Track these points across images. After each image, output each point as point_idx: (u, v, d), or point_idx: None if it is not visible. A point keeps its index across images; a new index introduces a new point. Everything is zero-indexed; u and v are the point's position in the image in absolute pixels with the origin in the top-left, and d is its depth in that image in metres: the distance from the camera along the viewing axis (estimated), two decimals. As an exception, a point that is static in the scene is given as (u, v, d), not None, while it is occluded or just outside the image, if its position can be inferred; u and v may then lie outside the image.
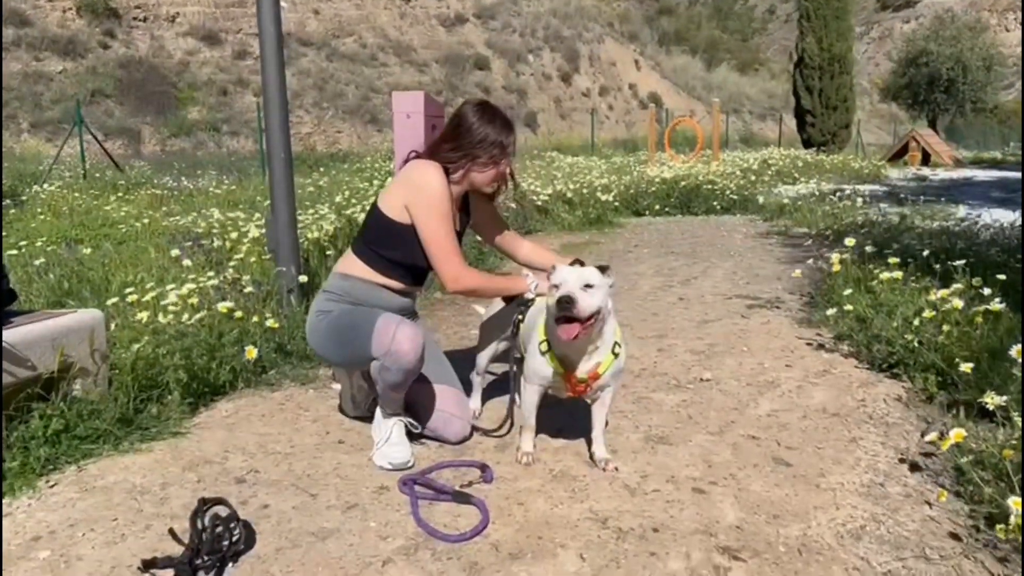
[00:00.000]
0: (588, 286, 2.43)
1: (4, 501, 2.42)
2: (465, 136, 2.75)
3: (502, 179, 2.90)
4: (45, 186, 11.24)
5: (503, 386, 3.28)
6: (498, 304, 3.10)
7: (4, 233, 7.50)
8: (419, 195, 2.70)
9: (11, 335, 2.61)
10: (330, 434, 3.00)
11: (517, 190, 3.19)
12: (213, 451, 2.84)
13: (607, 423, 2.79)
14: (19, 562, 2.08)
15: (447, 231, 2.72)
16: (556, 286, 2.44)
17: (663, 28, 44.16)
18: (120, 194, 10.61)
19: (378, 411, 2.83)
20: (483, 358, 3.14)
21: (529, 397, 2.69)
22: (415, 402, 2.87)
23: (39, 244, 6.24)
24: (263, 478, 2.62)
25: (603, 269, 2.54)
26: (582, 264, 2.75)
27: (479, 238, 3.34)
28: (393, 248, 2.77)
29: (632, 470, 2.64)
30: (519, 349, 2.85)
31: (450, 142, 2.77)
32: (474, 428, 2.97)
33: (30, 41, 20.66)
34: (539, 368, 2.61)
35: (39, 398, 2.68)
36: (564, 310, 2.39)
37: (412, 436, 2.83)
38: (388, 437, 2.73)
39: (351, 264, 2.83)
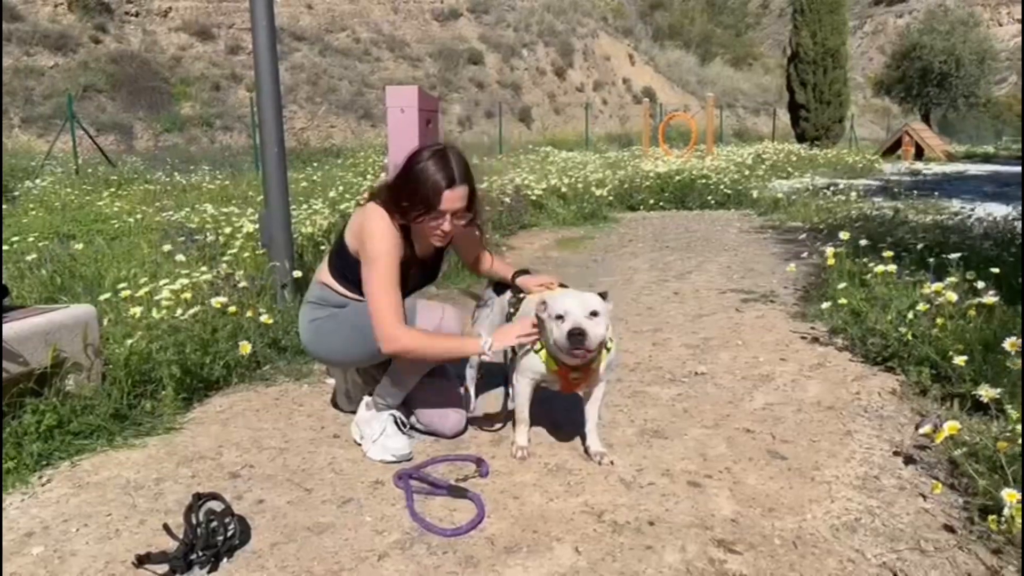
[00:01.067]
0: (594, 314, 2.44)
1: (-3, 497, 2.41)
2: (409, 181, 2.61)
3: (443, 235, 2.69)
4: (37, 182, 11.19)
5: (496, 380, 3.28)
6: (491, 298, 3.10)
7: (-4, 229, 7.46)
8: (364, 246, 2.62)
9: (4, 330, 2.59)
10: (325, 429, 2.99)
11: (482, 239, 3.09)
12: (207, 446, 2.83)
13: (601, 417, 2.79)
14: (13, 558, 2.08)
15: (386, 287, 2.58)
16: (561, 316, 2.42)
17: (657, 23, 44.12)
18: (113, 189, 10.56)
19: (367, 406, 2.82)
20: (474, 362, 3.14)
21: (522, 391, 2.70)
22: (411, 397, 2.87)
23: (31, 239, 6.21)
24: (258, 473, 2.61)
25: (603, 296, 2.53)
26: (563, 287, 2.85)
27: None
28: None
29: (627, 464, 2.64)
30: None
31: (397, 186, 2.65)
32: (469, 422, 2.96)
33: (21, 36, 20.52)
34: (532, 364, 2.61)
35: (32, 393, 2.67)
36: (576, 344, 2.38)
37: (402, 430, 2.81)
38: (384, 430, 2.73)
39: (328, 279, 2.82)
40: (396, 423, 2.78)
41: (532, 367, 2.62)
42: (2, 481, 2.41)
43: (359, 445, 2.79)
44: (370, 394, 2.86)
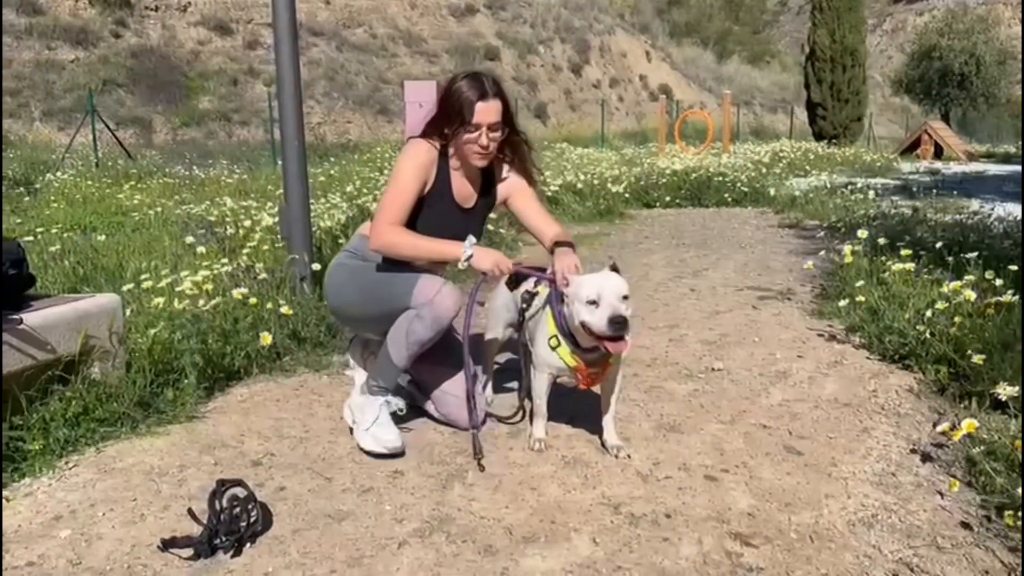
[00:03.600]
0: (625, 297, 2.45)
1: (25, 481, 2.46)
2: (444, 102, 2.73)
3: (482, 152, 2.71)
4: (58, 174, 11.30)
5: (512, 373, 3.31)
6: (503, 291, 3.09)
7: (19, 220, 7.56)
8: (395, 165, 2.76)
9: (31, 318, 2.64)
10: (344, 419, 3.02)
11: (522, 161, 2.94)
12: (229, 435, 2.87)
13: (617, 411, 2.81)
14: (40, 540, 2.12)
15: (395, 197, 2.69)
16: (594, 302, 2.42)
17: (674, 20, 43.97)
18: (132, 183, 10.65)
19: (361, 389, 2.79)
20: (492, 345, 3.14)
21: (540, 385, 2.71)
22: (428, 385, 2.88)
23: (54, 231, 6.28)
24: (279, 461, 2.65)
25: (615, 269, 2.57)
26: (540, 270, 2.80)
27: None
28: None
29: (644, 457, 2.66)
30: (525, 337, 2.86)
31: (437, 109, 2.77)
32: (488, 414, 2.98)
33: (42, 30, 20.71)
34: (551, 359, 2.62)
35: (59, 380, 2.71)
36: (618, 331, 2.39)
37: (396, 421, 2.76)
38: (377, 418, 2.68)
39: (367, 227, 2.87)
40: (390, 412, 2.73)
41: (550, 362, 2.63)
42: (1, 477, 2.44)
43: (351, 430, 2.78)
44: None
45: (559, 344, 2.58)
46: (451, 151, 2.77)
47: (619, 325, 2.38)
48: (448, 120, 2.69)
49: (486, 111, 2.66)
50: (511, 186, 2.94)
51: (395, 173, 2.73)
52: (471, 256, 2.62)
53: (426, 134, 2.76)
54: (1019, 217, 6.62)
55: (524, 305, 2.81)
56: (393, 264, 2.73)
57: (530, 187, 2.97)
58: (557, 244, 2.81)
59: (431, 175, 2.75)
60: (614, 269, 2.57)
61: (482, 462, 2.60)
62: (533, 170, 2.95)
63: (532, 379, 2.74)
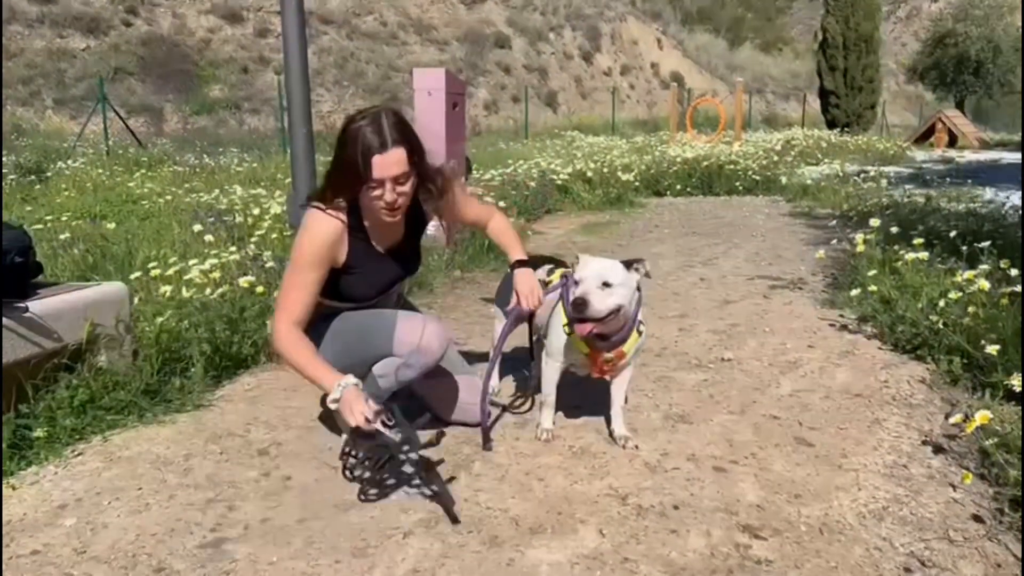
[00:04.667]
0: (606, 284, 2.40)
1: (31, 469, 2.46)
2: (339, 153, 2.38)
3: (389, 207, 2.39)
4: (69, 162, 11.33)
5: (520, 363, 3.28)
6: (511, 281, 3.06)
7: (30, 208, 7.57)
8: (295, 243, 2.47)
9: (38, 306, 2.63)
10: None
11: (458, 197, 2.72)
12: (236, 423, 2.86)
13: (626, 400, 2.79)
14: (46, 529, 2.12)
15: (293, 287, 2.42)
16: (576, 282, 2.42)
17: (686, 7, 43.60)
18: (143, 171, 10.67)
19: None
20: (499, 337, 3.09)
21: (549, 374, 2.69)
22: (436, 394, 2.82)
23: (64, 219, 6.30)
24: (285, 451, 2.64)
25: (629, 264, 2.48)
26: (561, 265, 2.81)
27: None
28: (341, 283, 2.57)
29: (652, 448, 2.64)
30: (535, 326, 2.84)
31: (333, 159, 2.42)
32: (493, 403, 2.96)
33: (54, 18, 20.73)
34: (563, 348, 2.60)
35: (66, 369, 2.71)
36: (578, 312, 2.38)
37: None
38: None
39: None
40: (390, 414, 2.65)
41: (563, 351, 2.61)
42: (2, 472, 2.44)
43: (340, 434, 2.68)
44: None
45: (572, 331, 2.55)
46: (362, 208, 2.47)
47: (579, 307, 2.36)
48: (345, 176, 2.36)
49: (385, 164, 2.30)
50: (440, 206, 2.66)
51: (293, 256, 2.43)
52: (337, 400, 2.30)
53: (325, 197, 2.43)
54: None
55: (548, 280, 2.78)
56: (339, 299, 2.57)
57: (455, 192, 2.70)
58: (517, 264, 2.71)
59: (340, 250, 2.46)
60: (627, 264, 2.49)
61: (489, 449, 2.60)
62: (459, 187, 2.73)
63: (542, 368, 2.71)
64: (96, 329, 2.83)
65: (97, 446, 2.63)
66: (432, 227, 2.90)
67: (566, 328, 2.57)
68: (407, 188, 2.39)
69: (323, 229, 2.41)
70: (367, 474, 2.33)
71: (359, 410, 2.25)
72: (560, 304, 2.62)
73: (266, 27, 24.06)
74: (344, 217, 2.44)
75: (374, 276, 2.59)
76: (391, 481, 2.34)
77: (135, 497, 2.30)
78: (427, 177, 2.50)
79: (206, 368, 3.18)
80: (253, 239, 4.74)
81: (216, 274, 3.75)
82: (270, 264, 4.09)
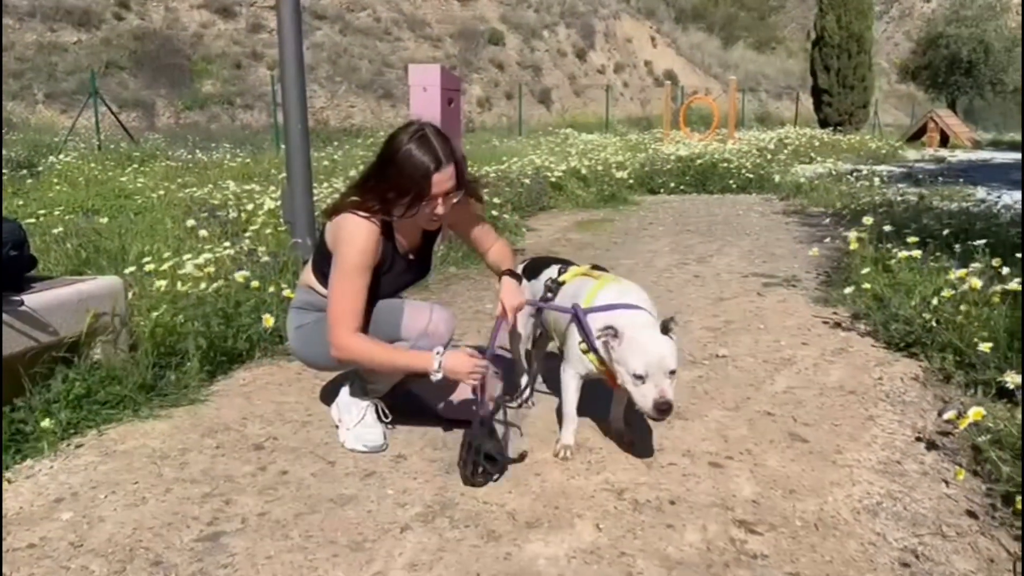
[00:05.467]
0: (673, 372, 2.29)
1: (27, 463, 2.45)
2: (393, 174, 2.43)
3: (438, 219, 2.53)
4: (61, 157, 11.28)
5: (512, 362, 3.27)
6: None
7: (22, 202, 7.54)
8: (338, 249, 2.47)
9: (33, 300, 2.63)
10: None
11: (479, 213, 2.85)
12: (231, 418, 2.86)
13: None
14: (42, 522, 2.12)
15: (347, 293, 2.44)
16: (641, 377, 2.26)
17: (680, 5, 43.63)
18: (135, 166, 10.63)
19: (349, 391, 2.72)
20: (516, 338, 3.01)
21: (570, 386, 2.59)
22: (431, 399, 2.81)
23: (56, 213, 6.27)
24: (281, 445, 2.64)
25: (667, 327, 2.37)
26: (603, 270, 2.73)
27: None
28: None
29: (648, 444, 2.64)
30: (545, 327, 2.84)
31: (380, 178, 2.47)
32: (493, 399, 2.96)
33: (45, 12, 20.61)
34: (582, 360, 2.52)
35: (62, 362, 2.71)
36: (665, 415, 2.26)
37: (382, 420, 2.72)
38: (363, 418, 2.64)
39: (312, 282, 2.68)
40: (377, 412, 2.69)
41: (581, 362, 2.53)
42: (2, 466, 2.43)
43: (336, 428, 2.72)
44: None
45: (588, 350, 2.49)
46: (395, 220, 2.53)
47: (666, 411, 2.25)
48: (399, 192, 2.42)
49: (441, 181, 2.42)
50: (455, 215, 2.67)
51: (341, 266, 2.44)
52: (440, 367, 2.39)
53: (367, 205, 2.47)
54: (1026, 205, 6.58)
55: (550, 295, 2.73)
56: None
57: (471, 208, 2.78)
58: (504, 274, 2.74)
59: (377, 253, 2.52)
60: (666, 329, 2.36)
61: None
62: (478, 204, 2.81)
63: (562, 380, 2.62)
64: (95, 322, 2.82)
65: (93, 440, 2.63)
66: None
67: (582, 346, 2.50)
68: (455, 199, 2.51)
69: (367, 235, 2.45)
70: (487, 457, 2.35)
71: (468, 363, 2.40)
72: (574, 325, 2.55)
73: (259, 22, 23.98)
74: (378, 220, 2.48)
75: (397, 278, 2.66)
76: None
77: (131, 491, 2.30)
78: (468, 188, 2.60)
79: (201, 363, 3.18)
80: (247, 234, 4.73)
81: (211, 269, 3.74)
82: (265, 259, 4.08)
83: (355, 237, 2.44)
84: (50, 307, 2.68)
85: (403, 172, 2.40)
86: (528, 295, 2.86)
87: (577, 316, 2.50)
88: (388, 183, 2.43)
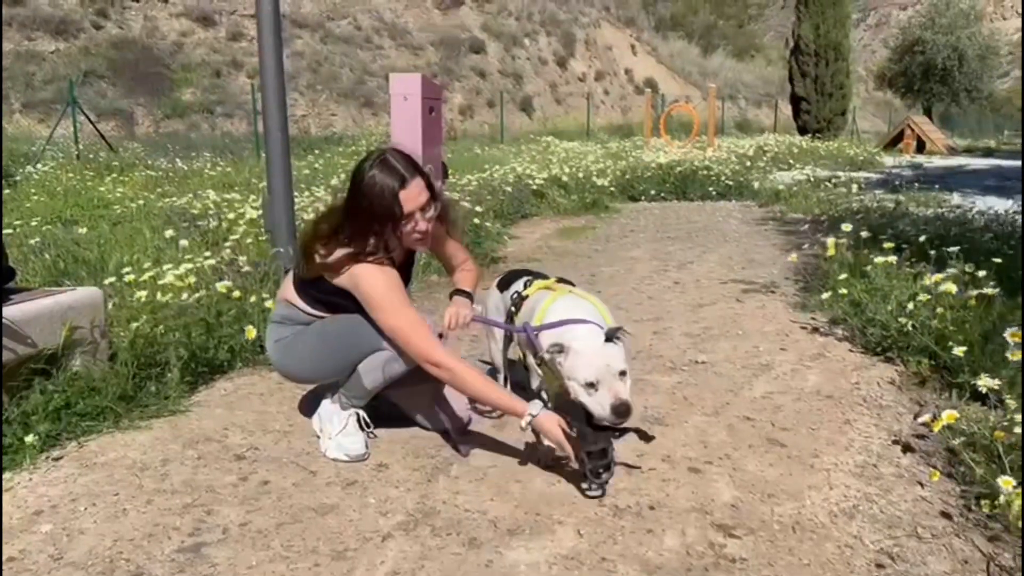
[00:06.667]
0: (623, 373, 2.34)
1: (6, 475, 2.43)
2: (365, 206, 2.45)
3: (423, 236, 2.55)
4: (39, 166, 11.18)
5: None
6: (494, 293, 3.09)
7: (-1, 212, 7.46)
8: (372, 299, 2.48)
9: (11, 312, 2.61)
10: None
11: (451, 229, 2.88)
12: (213, 428, 2.85)
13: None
14: (21, 535, 2.10)
15: (413, 319, 2.48)
16: (593, 384, 2.30)
17: (660, 13, 43.95)
18: (114, 175, 10.56)
19: (330, 402, 2.73)
20: (499, 349, 3.05)
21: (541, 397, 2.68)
22: (413, 400, 2.82)
23: (34, 224, 6.23)
24: (263, 455, 2.64)
25: (615, 336, 2.40)
26: (569, 282, 2.78)
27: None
28: (340, 302, 2.61)
29: (629, 450, 2.67)
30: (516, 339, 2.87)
31: (355, 215, 2.48)
32: (472, 410, 2.98)
33: (22, 20, 20.44)
34: (538, 375, 2.61)
35: (41, 374, 2.69)
36: (624, 417, 2.30)
37: (363, 430, 2.72)
38: (344, 427, 2.64)
39: (294, 298, 2.68)
40: (359, 421, 2.69)
41: (538, 375, 2.63)
42: (2, 464, 2.43)
43: (318, 438, 2.72)
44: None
45: (540, 363, 2.57)
46: (391, 244, 2.55)
47: (624, 413, 2.28)
48: (378, 222, 2.45)
49: (412, 197, 2.45)
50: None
51: (387, 307, 2.45)
52: (533, 423, 2.36)
53: (366, 252, 2.48)
54: (999, 211, 6.68)
55: (512, 308, 2.81)
56: (334, 313, 2.63)
57: (441, 227, 2.79)
58: (456, 292, 2.82)
59: (396, 273, 2.56)
60: (610, 338, 2.40)
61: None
62: (452, 222, 2.85)
63: (535, 389, 2.71)
64: (72, 334, 2.81)
65: (73, 452, 2.62)
66: None
67: (535, 360, 2.59)
68: (433, 212, 2.54)
69: (386, 275, 2.49)
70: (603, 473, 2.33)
71: (559, 434, 2.32)
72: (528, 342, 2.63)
73: (239, 30, 23.91)
74: (386, 260, 2.52)
75: None
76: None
77: (112, 503, 2.29)
78: (442, 205, 2.63)
79: (182, 373, 3.17)
80: (228, 244, 4.72)
81: (191, 279, 3.73)
82: (246, 268, 4.08)
83: (378, 282, 2.47)
84: (28, 319, 2.67)
85: (372, 199, 2.43)
86: (501, 307, 2.95)
87: (527, 334, 2.55)
88: (364, 214, 2.45)
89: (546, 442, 2.44)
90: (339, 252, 2.50)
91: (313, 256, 2.55)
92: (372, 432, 2.75)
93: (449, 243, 2.90)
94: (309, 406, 3.08)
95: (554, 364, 2.42)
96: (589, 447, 2.27)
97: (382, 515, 2.23)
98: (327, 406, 2.74)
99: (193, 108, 21.26)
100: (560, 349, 2.39)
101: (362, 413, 2.71)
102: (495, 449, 2.68)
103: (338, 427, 2.65)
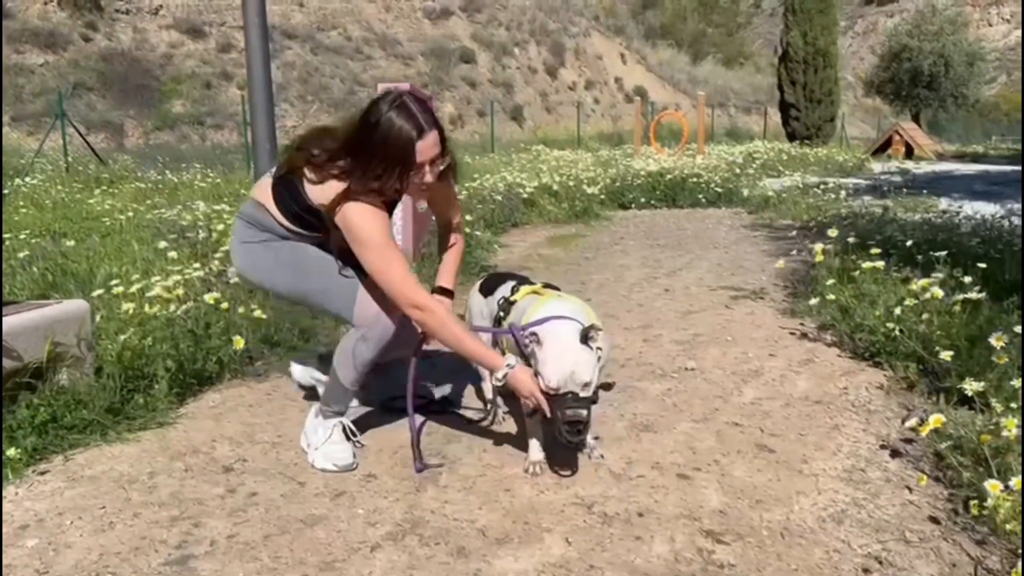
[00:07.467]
0: (586, 385, 2.33)
1: (-9, 490, 2.42)
2: (373, 142, 2.37)
3: (426, 188, 2.52)
4: (27, 179, 11.15)
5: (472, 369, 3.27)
6: (477, 298, 3.08)
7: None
8: (358, 236, 2.43)
9: (-3, 325, 2.60)
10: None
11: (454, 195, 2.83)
12: (201, 440, 2.84)
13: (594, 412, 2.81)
14: (8, 550, 2.09)
15: (396, 257, 2.45)
16: (556, 390, 2.32)
17: (649, 22, 44.14)
18: (104, 187, 10.54)
19: (314, 414, 2.71)
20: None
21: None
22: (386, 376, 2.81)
23: (22, 237, 6.21)
24: (251, 467, 2.63)
25: (587, 336, 2.39)
26: (555, 288, 2.75)
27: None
28: (313, 221, 2.56)
29: (617, 457, 2.67)
30: (499, 344, 2.86)
31: (362, 153, 2.40)
32: (460, 416, 2.98)
33: (11, 34, 20.42)
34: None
35: (27, 388, 2.68)
36: (578, 435, 2.32)
37: (350, 439, 2.71)
38: (329, 436, 2.62)
39: (269, 203, 2.59)
40: (344, 431, 2.67)
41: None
42: (2, 471, 2.42)
43: (306, 453, 2.68)
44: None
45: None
46: (388, 188, 2.47)
47: (575, 432, 2.31)
48: (387, 167, 2.38)
49: (427, 148, 2.39)
50: (433, 190, 2.62)
51: (372, 244, 2.41)
52: (507, 376, 2.40)
53: (365, 191, 2.41)
54: (986, 216, 6.72)
55: (501, 313, 2.79)
56: (305, 230, 2.58)
57: (449, 187, 2.77)
58: (440, 289, 2.81)
59: (385, 216, 2.53)
60: (585, 338, 2.38)
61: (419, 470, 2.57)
62: (454, 177, 2.71)
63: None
64: (57, 347, 2.80)
65: (59, 465, 2.60)
66: (399, 239, 2.94)
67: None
68: (441, 166, 2.49)
69: (374, 216, 2.44)
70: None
71: (531, 387, 2.37)
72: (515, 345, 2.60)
73: (229, 42, 23.93)
74: (378, 203, 2.47)
75: None
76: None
77: (98, 516, 2.28)
78: (451, 161, 2.56)
79: (170, 385, 3.15)
80: (217, 255, 4.71)
81: (180, 291, 3.72)
82: (235, 280, 4.06)
83: (367, 221, 2.42)
84: (15, 332, 2.65)
85: (387, 142, 2.35)
86: (486, 311, 2.94)
87: (514, 335, 2.54)
88: (374, 155, 2.37)
89: (523, 400, 2.45)
90: (332, 183, 2.44)
91: (301, 178, 2.49)
92: (359, 442, 2.74)
93: (448, 200, 2.85)
94: (297, 418, 3.07)
95: (532, 357, 2.42)
96: (566, 413, 2.30)
97: (370, 525, 2.22)
98: (311, 420, 2.72)
99: (183, 120, 21.27)
100: (538, 340, 2.39)
101: (347, 422, 2.70)
102: (483, 458, 2.67)
103: (323, 437, 2.63)
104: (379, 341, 2.55)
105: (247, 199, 2.71)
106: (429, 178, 2.46)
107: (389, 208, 2.62)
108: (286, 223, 2.58)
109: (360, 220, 2.43)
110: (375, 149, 2.37)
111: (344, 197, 2.43)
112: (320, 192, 2.47)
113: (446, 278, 2.86)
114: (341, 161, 2.44)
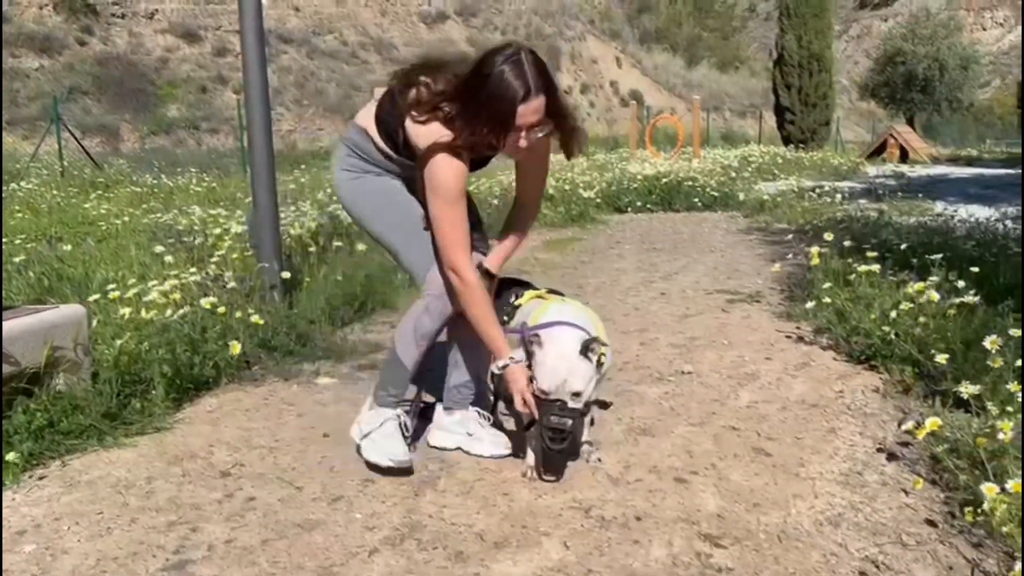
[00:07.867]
0: (576, 394, 2.33)
1: (-12, 496, 2.42)
2: (478, 93, 2.30)
3: (520, 151, 2.43)
4: (23, 184, 11.13)
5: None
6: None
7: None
8: (435, 183, 2.41)
9: (-6, 330, 2.60)
10: (315, 428, 3.00)
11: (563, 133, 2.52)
12: (198, 445, 2.84)
13: (592, 421, 2.81)
14: (5, 555, 2.08)
15: (454, 220, 2.42)
16: (546, 395, 2.32)
17: (644, 26, 44.25)
18: (99, 192, 10.53)
19: (369, 404, 2.66)
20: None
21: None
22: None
23: (18, 241, 6.19)
24: (248, 471, 2.63)
25: (589, 349, 2.38)
26: (559, 293, 2.75)
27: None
28: (409, 157, 2.53)
29: (615, 461, 2.67)
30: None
31: (465, 98, 2.33)
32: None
33: (6, 38, 20.40)
34: None
35: (23, 393, 2.67)
36: (561, 444, 2.31)
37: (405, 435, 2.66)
38: (382, 426, 2.56)
39: (372, 128, 2.56)
40: (400, 426, 2.59)
41: None
42: (2, 474, 2.41)
43: (358, 449, 2.63)
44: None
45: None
46: (477, 140, 2.40)
47: (558, 439, 2.31)
48: (487, 121, 2.31)
49: (529, 112, 2.30)
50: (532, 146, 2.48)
51: (439, 191, 2.40)
52: (504, 369, 2.43)
53: (461, 140, 2.36)
54: (981, 219, 6.75)
55: (505, 317, 2.79)
56: (404, 170, 2.57)
57: (545, 154, 2.67)
58: (483, 270, 2.70)
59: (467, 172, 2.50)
60: (586, 350, 2.37)
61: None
62: (577, 147, 2.57)
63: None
64: (55, 352, 2.80)
65: (56, 471, 2.60)
66: None
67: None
68: (540, 133, 2.39)
69: (457, 171, 2.41)
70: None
71: (523, 387, 2.39)
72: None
73: (225, 46, 23.94)
74: (465, 156, 2.43)
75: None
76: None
77: (96, 521, 2.27)
78: (560, 123, 2.45)
79: (167, 390, 3.15)
80: (214, 259, 4.71)
81: (176, 295, 3.72)
82: (232, 284, 4.07)
83: (448, 173, 2.40)
84: (11, 337, 2.65)
85: (492, 96, 2.27)
86: None
87: (522, 336, 2.53)
88: (480, 109, 2.30)
89: (514, 396, 2.45)
90: (435, 126, 2.38)
91: (407, 112, 2.44)
92: (413, 444, 2.67)
93: (535, 170, 2.76)
94: (295, 421, 3.08)
95: (531, 358, 2.43)
96: (551, 420, 2.31)
97: (368, 530, 2.22)
98: (366, 412, 2.65)
99: (178, 124, 21.26)
100: (539, 341, 2.39)
101: (404, 418, 2.62)
102: (481, 463, 2.67)
103: (375, 424, 2.57)
104: (441, 315, 2.53)
105: (350, 124, 2.68)
106: (523, 143, 2.38)
107: (483, 162, 2.62)
108: (386, 150, 2.54)
109: (441, 170, 2.40)
110: (481, 101, 2.30)
111: (438, 144, 2.39)
112: (421, 132, 2.40)
113: (495, 260, 2.78)
114: (447, 105, 2.37)
